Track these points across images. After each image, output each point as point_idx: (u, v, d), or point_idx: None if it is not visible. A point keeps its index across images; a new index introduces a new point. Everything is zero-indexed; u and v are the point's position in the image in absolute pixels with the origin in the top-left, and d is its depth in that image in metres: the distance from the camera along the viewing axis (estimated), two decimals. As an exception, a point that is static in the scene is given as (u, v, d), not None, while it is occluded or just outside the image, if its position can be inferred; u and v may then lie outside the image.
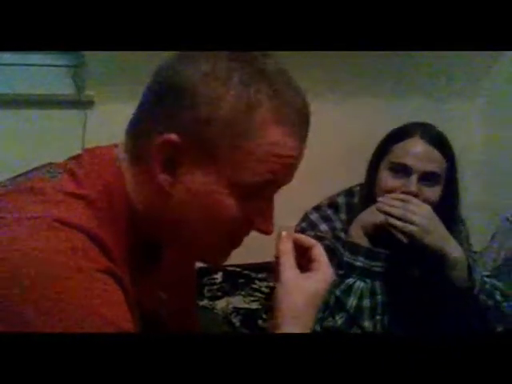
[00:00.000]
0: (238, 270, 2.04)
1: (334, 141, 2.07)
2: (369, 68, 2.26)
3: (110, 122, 1.91)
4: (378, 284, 1.28)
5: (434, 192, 1.29)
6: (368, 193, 1.33)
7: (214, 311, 2.01)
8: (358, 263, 1.27)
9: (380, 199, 1.27)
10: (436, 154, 1.28)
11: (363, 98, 2.28)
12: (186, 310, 0.90)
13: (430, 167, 1.27)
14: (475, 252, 1.54)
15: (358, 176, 1.41)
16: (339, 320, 1.25)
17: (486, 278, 1.34)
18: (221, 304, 2.03)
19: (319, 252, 0.77)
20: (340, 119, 2.16)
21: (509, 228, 2.32)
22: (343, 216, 1.37)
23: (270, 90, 0.67)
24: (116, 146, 0.75)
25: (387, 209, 1.25)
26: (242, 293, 2.06)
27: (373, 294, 1.27)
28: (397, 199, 1.25)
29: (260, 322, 1.92)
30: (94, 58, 1.82)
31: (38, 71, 1.87)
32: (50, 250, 0.59)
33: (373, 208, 1.28)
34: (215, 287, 2.10)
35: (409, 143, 1.28)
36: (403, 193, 1.26)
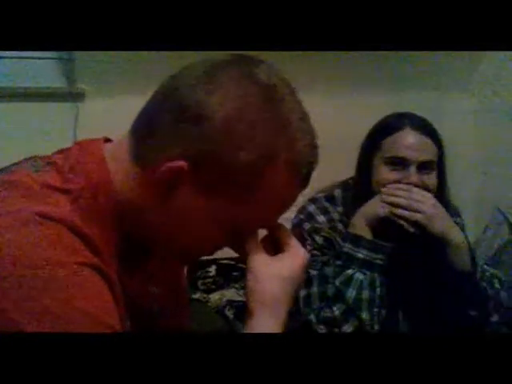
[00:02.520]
0: (232, 263, 2.04)
1: (328, 134, 2.07)
2: (361, 63, 2.26)
3: (101, 114, 1.91)
4: (377, 277, 1.28)
5: (432, 180, 1.31)
6: (364, 187, 1.33)
7: (207, 304, 2.01)
8: (360, 255, 1.27)
9: (384, 190, 1.28)
10: (429, 142, 1.30)
11: (356, 93, 2.28)
12: (179, 304, 0.88)
13: (426, 156, 1.28)
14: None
15: (353, 169, 1.41)
16: (337, 311, 1.25)
17: (485, 266, 1.37)
18: (214, 297, 2.03)
19: (286, 233, 0.74)
20: (332, 113, 2.16)
21: (501, 219, 2.34)
22: (340, 208, 1.38)
23: (288, 141, 0.65)
24: (107, 140, 0.73)
25: (392, 199, 1.26)
26: (236, 286, 2.06)
27: (372, 286, 1.27)
28: (400, 189, 1.26)
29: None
30: (85, 51, 1.80)
31: (29, 64, 1.86)
32: (30, 245, 0.57)
33: (376, 200, 1.29)
34: (209, 280, 2.10)
35: (401, 136, 1.29)
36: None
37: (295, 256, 0.72)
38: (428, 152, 1.29)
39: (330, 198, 1.39)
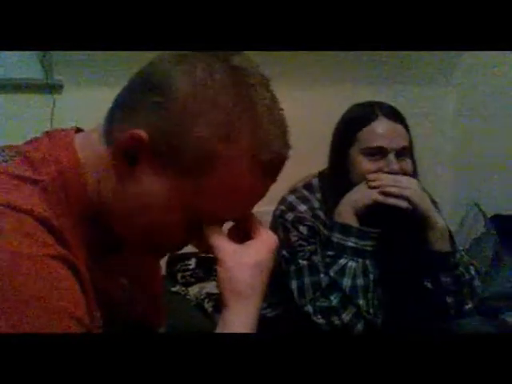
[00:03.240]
0: (212, 256, 2.04)
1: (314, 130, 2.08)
2: (347, 55, 2.27)
3: (78, 106, 1.89)
4: (369, 262, 1.30)
5: (409, 164, 1.34)
6: (341, 178, 1.34)
7: (186, 297, 2.00)
8: (350, 243, 1.29)
9: (369, 176, 1.30)
10: (401, 128, 1.32)
11: (341, 85, 2.30)
12: (152, 297, 0.87)
13: (402, 143, 1.31)
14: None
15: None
16: (334, 300, 1.27)
17: (463, 252, 1.40)
18: (193, 290, 2.03)
19: (253, 220, 0.73)
20: (323, 106, 2.17)
21: (477, 212, 2.37)
22: (319, 195, 1.39)
23: (251, 126, 0.64)
24: (78, 130, 0.72)
25: (379, 183, 1.29)
26: (216, 278, 2.05)
27: (365, 272, 1.29)
28: (385, 177, 1.29)
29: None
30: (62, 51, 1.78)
31: (6, 55, 1.83)
32: None
33: (361, 187, 1.31)
34: (188, 273, 2.10)
35: (376, 125, 1.30)
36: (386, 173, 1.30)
37: (263, 241, 0.71)
38: (403, 138, 1.31)
39: (309, 187, 1.40)
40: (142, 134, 0.63)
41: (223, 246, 0.69)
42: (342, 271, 1.28)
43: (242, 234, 0.73)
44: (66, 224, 0.64)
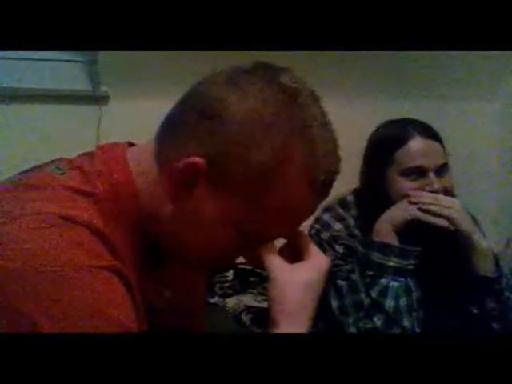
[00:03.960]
0: (250, 268, 2.04)
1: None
2: (369, 68, 2.25)
3: (124, 117, 1.93)
4: (411, 281, 1.28)
5: (449, 180, 1.32)
6: (379, 197, 1.33)
7: (224, 309, 2.00)
8: (391, 263, 1.27)
9: (411, 193, 1.28)
10: (438, 145, 1.31)
11: (364, 98, 2.28)
12: (193, 310, 0.89)
13: (440, 160, 1.30)
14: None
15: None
16: (378, 321, 1.25)
17: (509, 275, 1.35)
18: (231, 302, 2.03)
19: (305, 240, 0.74)
20: (341, 120, 2.15)
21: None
22: (354, 212, 1.37)
23: (306, 146, 0.65)
24: (131, 144, 0.74)
25: (421, 200, 1.27)
26: (253, 291, 2.05)
27: (408, 292, 1.27)
28: (426, 195, 1.27)
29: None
30: (110, 54, 1.82)
31: (54, 66, 1.88)
32: (52, 247, 0.58)
33: (401, 205, 1.29)
34: (226, 285, 2.10)
35: (413, 145, 1.29)
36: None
37: (315, 262, 0.72)
38: (440, 155, 1.30)
39: (344, 204, 1.39)
40: (200, 161, 0.64)
41: (276, 265, 0.70)
42: (385, 292, 1.25)
43: (293, 252, 0.74)
44: (118, 236, 0.65)
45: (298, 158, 0.65)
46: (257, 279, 2.04)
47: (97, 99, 1.93)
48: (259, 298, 1.99)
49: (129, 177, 0.69)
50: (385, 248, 1.27)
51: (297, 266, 0.71)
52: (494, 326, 1.28)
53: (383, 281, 1.26)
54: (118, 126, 1.78)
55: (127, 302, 0.62)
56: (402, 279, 1.26)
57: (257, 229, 0.68)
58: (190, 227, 0.68)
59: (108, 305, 0.59)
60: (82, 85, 1.93)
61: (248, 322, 1.89)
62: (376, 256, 1.28)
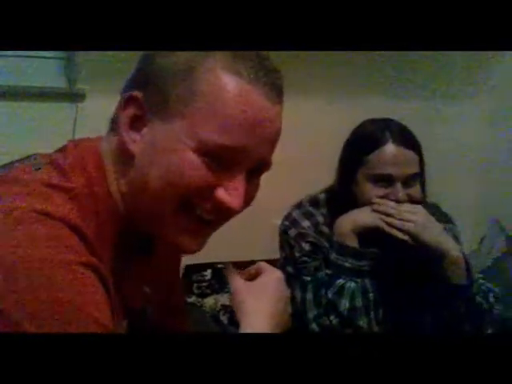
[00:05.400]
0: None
1: (324, 140, 2.08)
2: (366, 67, 2.27)
3: (101, 115, 1.90)
4: (368, 282, 1.28)
5: (418, 190, 1.30)
6: (347, 197, 1.32)
7: (202, 308, 2.00)
8: (347, 264, 1.27)
9: (376, 200, 1.27)
10: (411, 154, 1.28)
11: (358, 98, 2.29)
12: (174, 307, 0.89)
13: (410, 170, 1.27)
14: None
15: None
16: (334, 320, 1.25)
17: (481, 280, 1.35)
18: (209, 301, 2.03)
19: (260, 265, 0.83)
20: (333, 118, 2.16)
21: (498, 230, 2.34)
22: (324, 211, 1.37)
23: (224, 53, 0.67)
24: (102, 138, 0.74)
25: (384, 209, 1.26)
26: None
27: (364, 292, 1.27)
28: (390, 205, 1.26)
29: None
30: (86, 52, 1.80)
31: (30, 63, 1.86)
32: (28, 242, 0.57)
33: (365, 209, 1.28)
34: (204, 284, 2.10)
35: (383, 152, 1.27)
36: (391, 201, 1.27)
37: (267, 273, 0.81)
38: (412, 165, 1.28)
39: (314, 202, 1.39)
40: (136, 93, 0.68)
41: (236, 279, 0.79)
42: (340, 292, 1.26)
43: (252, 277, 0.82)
44: (95, 231, 0.65)
45: (217, 53, 0.66)
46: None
47: (73, 96, 1.91)
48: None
49: (102, 170, 0.69)
50: (341, 249, 1.28)
51: (257, 280, 0.80)
52: (466, 328, 1.28)
53: (339, 281, 1.26)
54: (95, 123, 1.76)
55: (101, 298, 0.61)
56: (359, 280, 1.27)
57: (212, 143, 0.65)
58: (155, 162, 0.67)
59: (85, 303, 0.58)
60: (58, 82, 1.91)
61: (226, 321, 1.89)
62: (334, 256, 1.28)
